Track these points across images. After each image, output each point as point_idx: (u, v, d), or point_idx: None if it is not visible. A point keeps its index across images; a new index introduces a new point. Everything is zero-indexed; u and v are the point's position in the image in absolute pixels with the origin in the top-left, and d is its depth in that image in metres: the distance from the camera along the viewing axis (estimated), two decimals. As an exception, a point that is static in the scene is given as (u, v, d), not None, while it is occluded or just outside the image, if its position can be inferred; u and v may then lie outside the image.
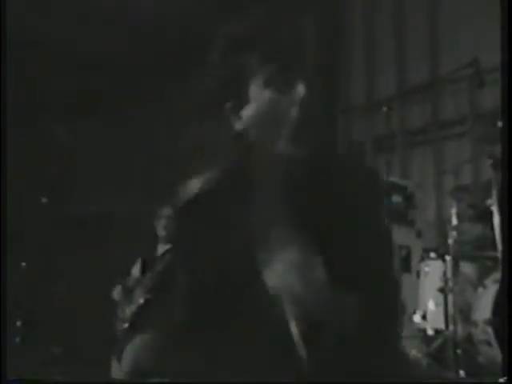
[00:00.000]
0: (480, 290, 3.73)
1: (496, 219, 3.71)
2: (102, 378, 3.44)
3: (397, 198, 5.00)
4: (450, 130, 5.60)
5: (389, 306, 1.55)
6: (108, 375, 3.59)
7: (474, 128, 5.18)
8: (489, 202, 3.88)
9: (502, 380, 2.05)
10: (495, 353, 3.41)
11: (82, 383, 3.14)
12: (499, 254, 3.73)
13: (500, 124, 4.04)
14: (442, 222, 5.04)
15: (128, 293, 3.95)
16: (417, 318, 4.04)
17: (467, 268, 4.07)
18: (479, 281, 3.88)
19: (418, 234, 4.96)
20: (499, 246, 3.63)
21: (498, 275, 3.61)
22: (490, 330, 3.44)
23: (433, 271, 4.11)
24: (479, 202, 4.12)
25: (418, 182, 5.37)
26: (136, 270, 4.13)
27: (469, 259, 4.09)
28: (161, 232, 4.10)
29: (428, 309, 4.05)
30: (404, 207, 5.03)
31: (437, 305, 3.99)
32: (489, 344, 3.45)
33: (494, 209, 3.77)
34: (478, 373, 3.55)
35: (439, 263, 4.02)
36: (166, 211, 4.06)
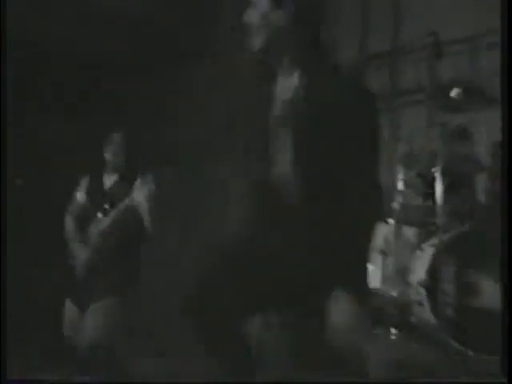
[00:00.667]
0: (418, 252, 3.85)
1: (438, 187, 3.83)
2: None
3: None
4: (407, 98, 5.67)
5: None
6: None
7: (430, 97, 5.26)
8: (433, 170, 3.99)
9: (501, 380, 2.13)
10: (426, 313, 3.54)
11: (82, 383, 3.18)
12: (439, 220, 3.87)
13: (454, 93, 4.14)
14: (391, 188, 5.14)
15: (81, 229, 3.86)
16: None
17: (409, 232, 4.19)
18: (418, 244, 4.00)
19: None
20: (440, 213, 3.77)
21: (435, 240, 3.73)
22: (422, 291, 3.56)
23: (376, 234, 4.21)
24: (426, 170, 4.22)
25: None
26: (81, 195, 4.04)
27: (411, 224, 4.21)
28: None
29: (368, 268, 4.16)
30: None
31: (376, 265, 4.10)
32: (421, 304, 3.58)
33: (438, 177, 3.89)
34: (410, 331, 3.68)
35: (383, 226, 4.12)
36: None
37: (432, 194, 4.07)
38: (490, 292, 3.20)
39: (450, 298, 3.47)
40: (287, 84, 2.02)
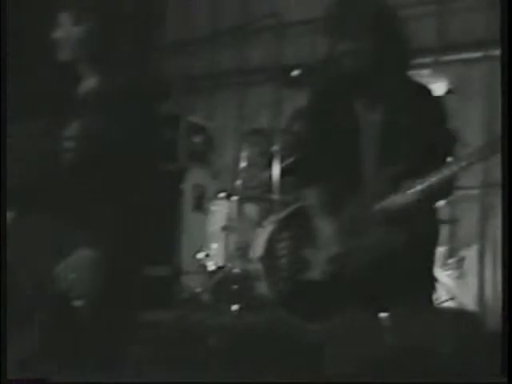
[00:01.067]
0: (258, 229, 3.95)
1: (277, 165, 3.93)
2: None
3: (197, 138, 5.10)
4: (254, 78, 5.76)
5: None
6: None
7: (276, 76, 5.36)
8: (274, 148, 4.09)
9: (502, 380, 2.11)
10: (265, 287, 3.65)
11: (83, 383, 3.10)
12: (277, 197, 3.98)
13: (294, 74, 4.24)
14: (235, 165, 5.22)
15: None
16: (201, 254, 4.21)
17: (251, 209, 4.29)
18: (259, 222, 4.10)
19: (214, 175, 5.13)
20: (276, 189, 3.88)
21: (275, 217, 3.83)
22: (261, 266, 3.66)
23: (219, 211, 4.28)
24: (268, 148, 4.31)
25: (219, 124, 5.50)
26: None
27: (253, 201, 4.30)
28: None
29: (211, 246, 4.23)
30: (203, 148, 5.16)
31: (220, 243, 4.17)
32: (259, 279, 3.69)
33: (277, 155, 4.00)
34: (252, 306, 3.77)
35: (226, 203, 4.19)
36: None
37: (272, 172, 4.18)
38: (320, 266, 3.34)
39: (285, 273, 3.59)
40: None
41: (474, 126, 4.66)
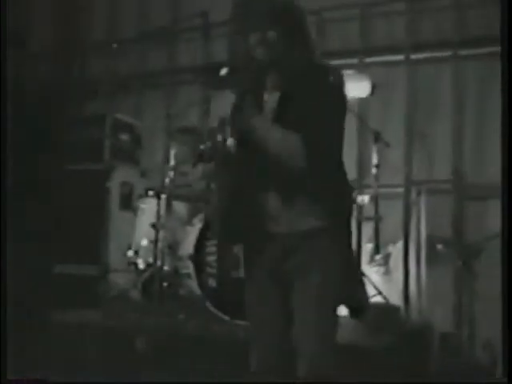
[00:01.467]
0: (188, 227, 3.93)
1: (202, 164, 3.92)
2: None
3: (124, 137, 5.04)
4: (183, 77, 5.73)
5: None
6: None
7: (204, 76, 5.36)
8: (204, 146, 4.07)
9: (502, 380, 2.20)
10: (193, 286, 3.64)
11: (83, 383, 3.10)
12: (206, 196, 3.98)
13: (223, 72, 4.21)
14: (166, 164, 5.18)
15: None
16: (130, 252, 4.16)
17: (180, 207, 4.27)
18: (189, 219, 4.09)
19: (143, 174, 5.08)
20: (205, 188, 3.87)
21: (202, 216, 3.83)
22: (191, 264, 3.65)
23: (148, 209, 4.24)
24: (196, 146, 4.29)
25: (148, 122, 5.45)
26: None
27: (182, 199, 4.28)
28: None
29: (141, 244, 4.19)
30: (131, 147, 5.11)
31: (149, 240, 4.13)
32: (189, 277, 3.68)
33: (205, 153, 3.98)
34: (184, 305, 3.75)
35: (155, 201, 4.15)
36: None
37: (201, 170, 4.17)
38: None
39: (213, 270, 3.60)
40: None
41: (395, 126, 4.79)
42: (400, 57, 4.87)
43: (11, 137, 3.68)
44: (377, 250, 4.23)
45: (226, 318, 3.44)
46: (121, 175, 4.77)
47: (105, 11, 6.24)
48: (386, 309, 3.62)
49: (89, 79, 6.13)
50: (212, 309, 3.52)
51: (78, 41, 6.21)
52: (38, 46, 6.18)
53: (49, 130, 5.14)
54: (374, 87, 4.33)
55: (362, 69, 4.85)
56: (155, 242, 4.02)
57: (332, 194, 1.95)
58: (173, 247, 4.03)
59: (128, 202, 4.75)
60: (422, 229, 3.99)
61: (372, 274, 4.02)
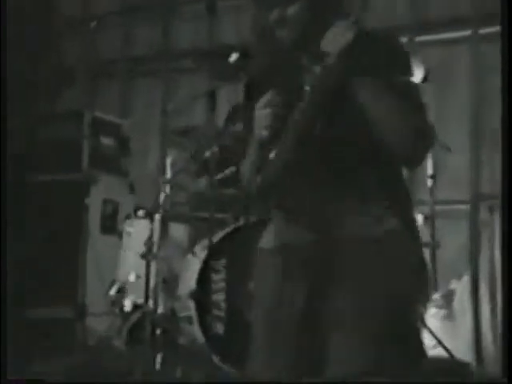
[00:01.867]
0: (189, 257, 3.88)
1: (211, 174, 3.87)
2: None
3: (107, 141, 5.02)
4: (183, 63, 5.71)
5: None
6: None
7: (210, 62, 5.32)
8: (208, 154, 4.03)
9: (502, 380, 2.44)
10: (195, 332, 3.59)
11: (83, 383, 3.34)
12: (211, 215, 3.92)
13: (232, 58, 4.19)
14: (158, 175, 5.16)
15: None
16: (113, 289, 4.13)
17: (178, 231, 4.23)
18: (190, 247, 4.04)
19: (131, 188, 5.05)
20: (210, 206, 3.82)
21: (208, 241, 3.78)
22: (192, 304, 3.61)
23: (137, 233, 4.20)
24: (203, 151, 4.24)
25: (138, 121, 5.44)
26: None
27: (181, 220, 4.25)
28: None
29: (128, 279, 4.15)
30: (116, 153, 5.08)
31: (138, 274, 4.09)
32: (190, 321, 3.63)
33: (211, 161, 3.94)
34: (178, 357, 3.73)
35: (146, 224, 4.10)
36: None
37: (206, 182, 4.13)
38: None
39: (221, 312, 3.57)
40: None
41: (454, 120, 4.75)
42: (464, 33, 4.83)
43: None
44: (435, 286, 4.17)
45: (236, 372, 3.39)
46: (102, 189, 4.74)
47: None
48: (450, 365, 3.55)
49: (62, 65, 6.16)
50: (218, 361, 3.48)
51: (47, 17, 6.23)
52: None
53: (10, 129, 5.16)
54: (428, 72, 4.27)
55: (412, 50, 4.80)
56: (146, 276, 3.98)
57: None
58: (169, 283, 3.99)
59: (111, 225, 4.73)
60: (496, 258, 3.92)
61: (429, 318, 3.94)
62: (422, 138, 2.02)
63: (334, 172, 2.02)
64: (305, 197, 2.05)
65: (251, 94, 2.24)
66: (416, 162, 2.10)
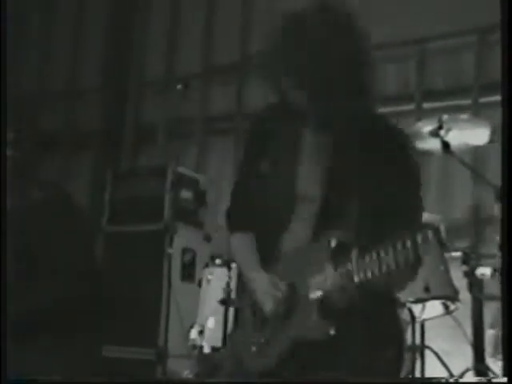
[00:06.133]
0: (266, 303, 3.87)
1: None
2: None
3: (186, 194, 5.09)
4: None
5: None
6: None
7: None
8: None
9: (502, 380, 2.32)
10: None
11: (83, 383, 3.25)
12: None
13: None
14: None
15: None
16: (194, 333, 4.13)
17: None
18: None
19: (207, 237, 5.10)
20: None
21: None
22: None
23: (216, 280, 4.21)
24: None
25: (214, 177, 5.50)
26: None
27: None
28: None
29: (207, 323, 4.15)
30: (194, 205, 5.15)
31: (217, 318, 4.09)
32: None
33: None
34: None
35: (224, 271, 4.13)
36: None
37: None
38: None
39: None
40: None
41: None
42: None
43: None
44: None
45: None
46: (182, 239, 4.80)
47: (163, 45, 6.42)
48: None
49: (142, 123, 6.30)
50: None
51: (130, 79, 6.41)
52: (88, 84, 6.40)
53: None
54: (493, 133, 4.24)
55: (477, 110, 4.79)
56: (224, 320, 3.98)
57: None
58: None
59: (190, 272, 4.76)
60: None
61: (499, 369, 3.84)
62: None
63: None
64: None
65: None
66: None
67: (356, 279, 1.90)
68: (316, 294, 1.98)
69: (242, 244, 2.26)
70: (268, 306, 2.06)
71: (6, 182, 3.35)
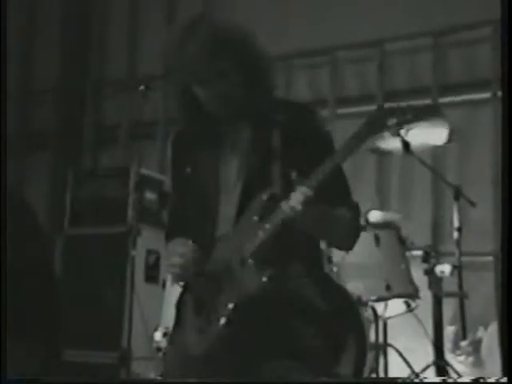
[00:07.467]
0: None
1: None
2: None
3: (150, 195, 5.05)
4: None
5: None
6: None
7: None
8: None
9: (502, 380, 2.35)
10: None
11: (83, 383, 3.27)
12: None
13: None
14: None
15: None
16: (158, 335, 4.08)
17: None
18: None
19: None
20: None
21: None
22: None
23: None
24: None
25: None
26: None
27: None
28: None
29: (172, 325, 4.12)
30: (157, 206, 5.10)
31: (180, 321, 4.06)
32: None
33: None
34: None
35: (188, 273, 4.10)
36: None
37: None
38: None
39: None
40: None
41: (480, 179, 4.72)
42: (485, 95, 4.86)
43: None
44: (463, 334, 4.10)
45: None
46: (146, 241, 4.75)
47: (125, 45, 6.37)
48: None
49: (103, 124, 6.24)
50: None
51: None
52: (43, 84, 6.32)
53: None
54: (451, 133, 4.27)
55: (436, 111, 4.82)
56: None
57: None
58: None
59: (154, 273, 4.72)
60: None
61: (458, 364, 3.88)
62: (357, 235, 2.13)
63: None
64: None
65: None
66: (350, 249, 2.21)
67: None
68: (249, 248, 2.01)
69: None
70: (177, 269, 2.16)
71: (6, 182, 3.30)
